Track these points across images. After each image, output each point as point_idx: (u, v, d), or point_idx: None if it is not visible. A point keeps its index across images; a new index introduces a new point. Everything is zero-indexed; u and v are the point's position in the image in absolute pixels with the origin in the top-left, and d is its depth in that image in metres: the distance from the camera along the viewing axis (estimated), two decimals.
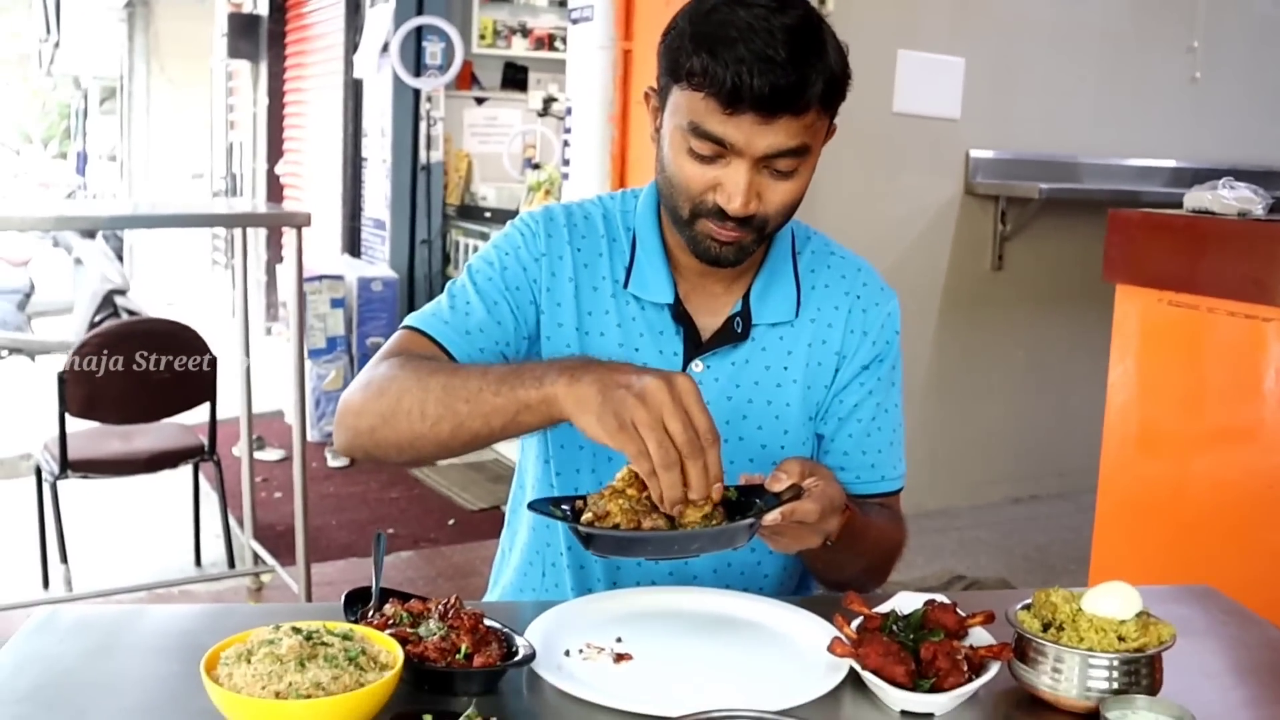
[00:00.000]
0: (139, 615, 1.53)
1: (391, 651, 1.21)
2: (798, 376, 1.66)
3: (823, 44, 1.45)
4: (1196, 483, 3.07)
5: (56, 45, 15.87)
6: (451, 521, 5.07)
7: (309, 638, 1.17)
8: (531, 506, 1.39)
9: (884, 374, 1.71)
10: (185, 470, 4.46)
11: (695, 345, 1.64)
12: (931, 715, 1.25)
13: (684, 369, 1.62)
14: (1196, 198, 3.10)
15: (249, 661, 1.14)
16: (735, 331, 1.64)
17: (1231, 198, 3.04)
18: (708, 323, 1.65)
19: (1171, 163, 5.52)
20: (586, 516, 1.31)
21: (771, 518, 1.32)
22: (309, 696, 1.11)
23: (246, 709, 1.11)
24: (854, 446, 1.69)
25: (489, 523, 4.97)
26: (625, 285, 1.65)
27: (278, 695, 1.11)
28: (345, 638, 1.20)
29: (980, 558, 4.69)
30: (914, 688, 1.24)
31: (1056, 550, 4.72)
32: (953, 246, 5.10)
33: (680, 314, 1.64)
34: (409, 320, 1.61)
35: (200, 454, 4.19)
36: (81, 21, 14.85)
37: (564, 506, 1.36)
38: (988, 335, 5.26)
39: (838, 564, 1.59)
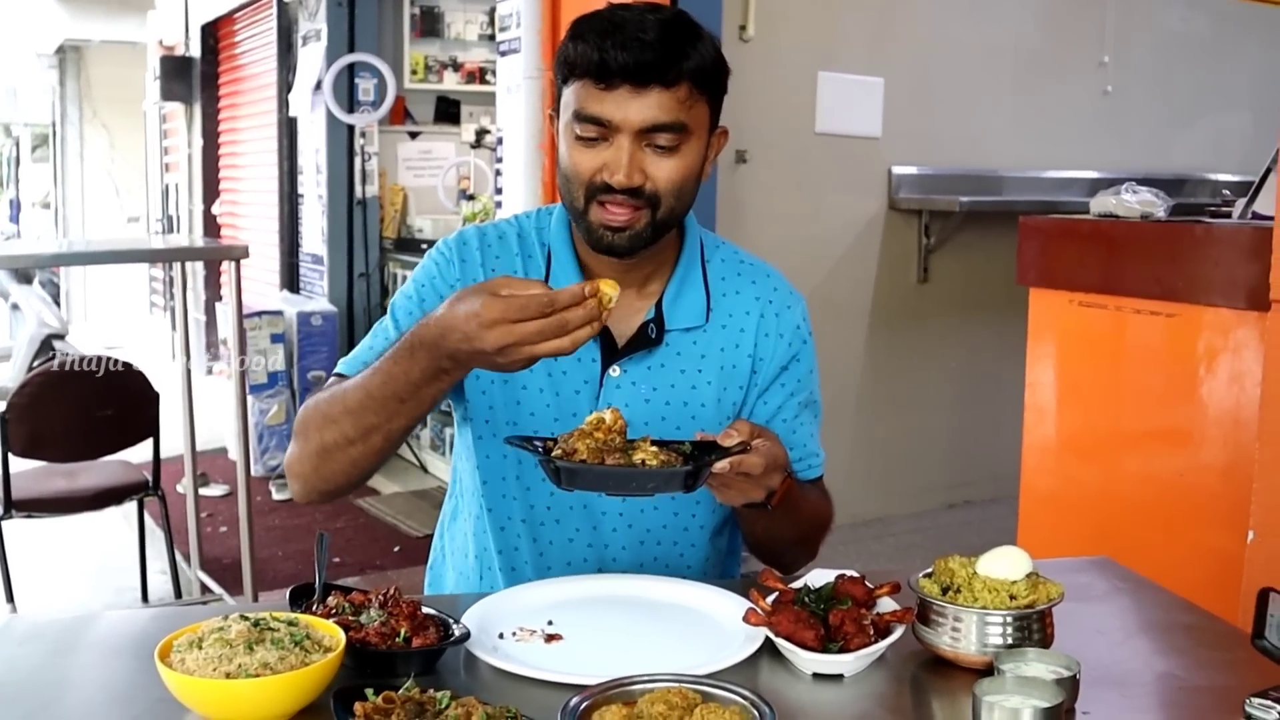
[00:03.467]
0: (94, 620, 1.61)
1: (334, 636, 1.29)
2: (711, 379, 1.76)
3: (695, 33, 1.60)
4: (1113, 476, 3.19)
5: None
6: (396, 548, 5.12)
7: (256, 624, 1.26)
8: (509, 440, 1.52)
9: (802, 374, 1.81)
10: (130, 507, 4.48)
11: (612, 351, 1.73)
12: (841, 675, 1.35)
13: (602, 374, 1.72)
14: (1102, 202, 3.24)
15: (200, 648, 1.22)
16: (649, 337, 1.73)
17: (1134, 201, 3.18)
18: (623, 329, 1.74)
19: (1087, 173, 5.67)
20: (556, 452, 1.44)
21: (720, 466, 1.45)
22: (257, 676, 1.18)
23: (198, 690, 1.18)
24: (780, 442, 1.78)
25: None
26: None
27: (228, 676, 1.19)
28: (290, 624, 1.28)
29: (915, 561, 4.74)
30: (823, 650, 1.34)
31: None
32: (879, 261, 5.23)
33: None
34: (338, 365, 1.74)
35: (145, 490, 4.20)
36: (11, 69, 14.77)
37: (535, 443, 1.48)
38: (917, 346, 5.39)
39: (775, 530, 1.70)
